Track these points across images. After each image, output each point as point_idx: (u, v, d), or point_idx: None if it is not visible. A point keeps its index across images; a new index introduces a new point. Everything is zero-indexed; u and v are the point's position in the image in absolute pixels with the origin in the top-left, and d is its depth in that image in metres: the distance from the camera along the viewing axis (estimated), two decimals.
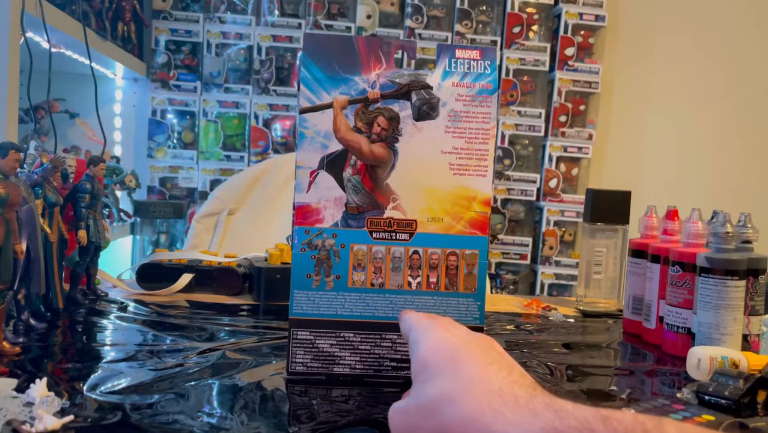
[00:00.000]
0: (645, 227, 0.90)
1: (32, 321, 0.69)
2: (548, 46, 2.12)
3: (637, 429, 0.31)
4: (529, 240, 2.16)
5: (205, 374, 0.60)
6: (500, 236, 2.15)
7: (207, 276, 0.96)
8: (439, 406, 0.39)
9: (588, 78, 2.12)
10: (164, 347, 0.68)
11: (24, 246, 0.63)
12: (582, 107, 2.16)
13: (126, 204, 1.88)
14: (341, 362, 0.60)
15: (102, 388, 0.55)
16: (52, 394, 0.49)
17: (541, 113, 2.12)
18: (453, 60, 0.61)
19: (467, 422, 0.37)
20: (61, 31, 1.28)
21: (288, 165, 1.66)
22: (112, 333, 0.74)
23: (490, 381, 0.38)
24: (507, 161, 2.15)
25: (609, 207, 0.98)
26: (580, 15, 2.10)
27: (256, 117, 2.06)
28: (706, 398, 0.60)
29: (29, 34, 1.15)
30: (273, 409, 0.53)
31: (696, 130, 2.28)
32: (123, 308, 0.84)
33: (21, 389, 0.51)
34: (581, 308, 1.00)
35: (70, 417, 0.47)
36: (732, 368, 0.64)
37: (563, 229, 2.15)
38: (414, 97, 0.60)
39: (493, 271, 2.16)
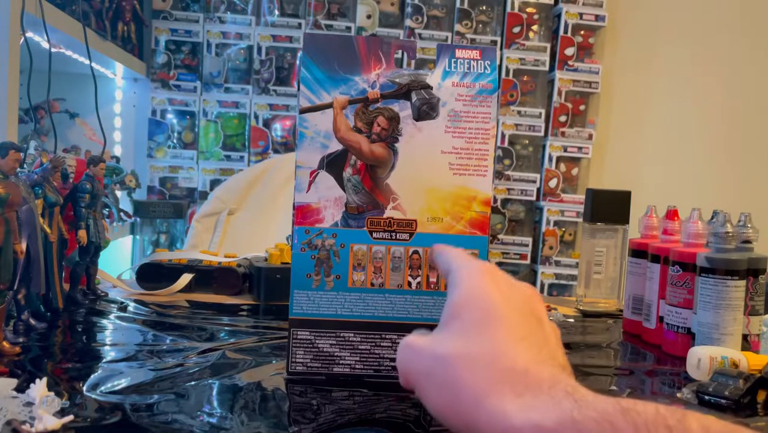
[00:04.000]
0: (645, 227, 0.90)
1: (32, 321, 0.69)
2: (548, 46, 2.12)
3: (659, 424, 0.30)
4: (529, 240, 2.16)
5: (205, 374, 0.60)
6: (500, 236, 2.15)
7: (207, 276, 0.96)
8: (458, 364, 0.38)
9: (588, 78, 2.12)
10: (164, 347, 0.68)
11: (24, 246, 0.63)
12: (582, 107, 2.16)
13: (126, 204, 1.88)
14: (341, 362, 0.60)
15: (102, 388, 0.55)
16: (52, 394, 0.49)
17: (541, 113, 2.12)
18: (453, 60, 0.61)
19: (483, 395, 0.36)
20: (61, 31, 1.28)
21: (288, 165, 1.66)
22: (112, 333, 0.74)
23: (517, 359, 0.37)
24: (507, 161, 2.15)
25: (609, 207, 0.98)
26: (580, 15, 2.10)
27: (256, 117, 2.06)
28: (706, 398, 0.60)
29: (29, 34, 1.15)
30: (273, 409, 0.53)
31: (696, 130, 2.28)
32: (123, 308, 0.84)
33: (21, 389, 0.51)
34: (581, 308, 1.00)
35: (70, 417, 0.47)
36: (732, 368, 0.64)
37: (563, 229, 2.15)
38: (414, 97, 0.60)
39: None
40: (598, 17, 2.11)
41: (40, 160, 0.80)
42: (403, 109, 0.60)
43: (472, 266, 0.44)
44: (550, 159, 2.13)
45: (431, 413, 0.40)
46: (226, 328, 0.77)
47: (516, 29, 2.11)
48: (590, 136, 2.14)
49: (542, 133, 2.13)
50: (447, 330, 0.41)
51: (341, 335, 0.60)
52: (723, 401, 0.59)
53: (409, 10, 2.07)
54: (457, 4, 2.09)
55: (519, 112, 2.12)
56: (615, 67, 2.23)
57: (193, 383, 0.57)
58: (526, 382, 0.36)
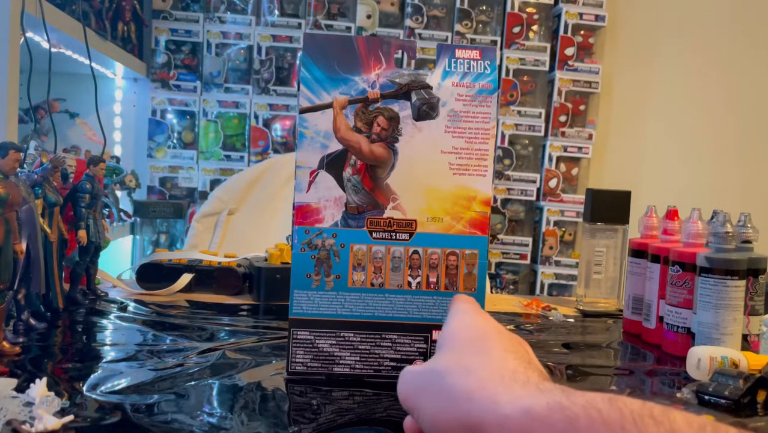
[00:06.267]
0: (645, 227, 0.90)
1: (32, 321, 0.69)
2: (548, 46, 2.12)
3: (645, 414, 0.31)
4: (529, 240, 2.16)
5: (205, 374, 0.60)
6: (500, 236, 2.15)
7: (207, 276, 0.96)
8: (451, 373, 0.40)
9: (588, 78, 2.12)
10: (164, 347, 0.68)
11: (24, 246, 0.63)
12: (582, 107, 2.16)
13: (126, 204, 1.88)
14: (341, 361, 0.60)
15: (102, 388, 0.55)
16: (52, 394, 0.49)
17: (541, 113, 2.12)
18: (453, 60, 0.61)
19: (474, 390, 0.37)
20: (61, 31, 1.28)
21: (288, 165, 1.66)
22: (112, 333, 0.74)
23: (507, 362, 0.39)
24: (507, 161, 2.15)
25: (609, 207, 0.98)
26: (580, 15, 2.10)
27: (256, 117, 2.06)
28: (706, 398, 0.60)
29: (29, 34, 1.15)
30: (273, 409, 0.53)
31: (696, 130, 2.28)
32: (123, 308, 0.84)
33: (21, 389, 0.51)
34: (581, 308, 1.00)
35: (70, 417, 0.47)
36: (732, 368, 0.64)
37: (563, 229, 2.15)
38: (414, 97, 0.60)
39: (493, 271, 2.16)
40: (598, 17, 2.11)
41: (40, 160, 0.80)
42: (403, 109, 0.60)
43: (467, 306, 0.47)
44: (550, 159, 2.13)
45: (426, 428, 0.40)
46: (226, 328, 0.77)
47: (516, 29, 2.11)
48: (590, 136, 2.14)
49: (542, 133, 2.13)
50: (441, 352, 0.43)
51: (341, 335, 0.60)
52: (723, 401, 0.59)
53: (409, 10, 2.07)
54: (457, 4, 2.09)
55: (519, 112, 2.12)
56: (615, 67, 2.23)
57: (193, 383, 0.57)
58: (515, 378, 0.38)
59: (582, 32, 2.13)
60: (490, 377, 0.38)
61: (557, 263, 2.15)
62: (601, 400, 0.32)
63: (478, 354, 0.41)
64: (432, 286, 0.60)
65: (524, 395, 0.35)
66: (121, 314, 0.81)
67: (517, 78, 2.12)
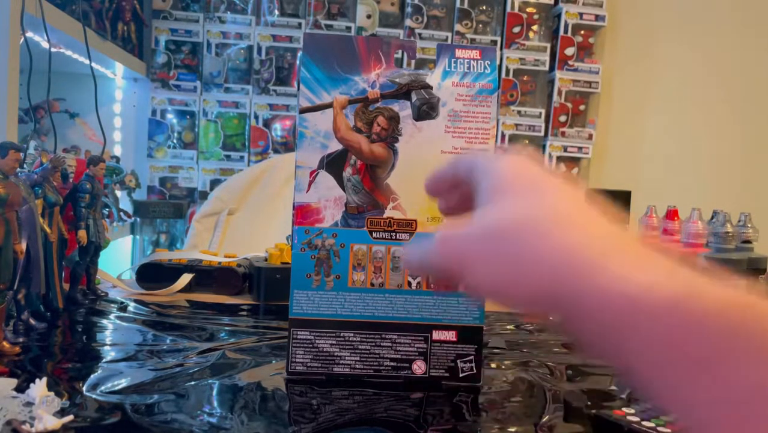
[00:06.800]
0: (645, 227, 0.89)
1: (32, 321, 0.69)
2: (548, 46, 2.12)
3: None
4: None
5: (205, 374, 0.60)
6: None
7: (207, 276, 0.96)
8: (519, 231, 0.30)
9: (588, 78, 2.12)
10: (164, 347, 0.68)
11: (24, 246, 0.63)
12: (582, 107, 2.16)
13: (126, 204, 1.88)
14: (341, 361, 0.60)
15: (102, 388, 0.55)
16: (52, 394, 0.49)
17: (541, 113, 2.12)
18: (453, 60, 0.61)
19: (565, 253, 0.28)
20: (61, 31, 1.28)
21: (288, 165, 1.66)
22: (112, 333, 0.74)
23: (597, 220, 0.30)
24: None
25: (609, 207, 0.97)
26: (580, 15, 2.10)
27: (256, 117, 2.06)
28: None
29: (29, 34, 1.15)
30: (273, 409, 0.53)
31: (696, 130, 2.28)
32: (123, 308, 0.84)
33: (21, 389, 0.51)
34: None
35: (70, 417, 0.47)
36: None
37: None
38: (414, 97, 0.60)
39: None
40: (598, 17, 2.11)
41: (40, 160, 0.80)
42: (403, 109, 0.60)
43: (503, 155, 0.35)
44: (550, 159, 2.13)
45: (483, 293, 0.32)
46: (226, 328, 0.77)
47: (516, 29, 2.10)
48: (590, 136, 2.14)
49: (542, 133, 2.13)
50: (493, 202, 0.32)
51: (341, 335, 0.60)
52: None
53: (409, 10, 2.07)
54: (457, 4, 2.09)
55: (519, 112, 2.12)
56: (615, 67, 2.23)
57: (193, 383, 0.57)
58: (623, 248, 0.28)
59: (582, 32, 2.13)
60: (580, 238, 0.28)
61: None
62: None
63: (544, 204, 0.30)
64: (432, 286, 0.60)
65: (649, 269, 0.26)
66: (121, 314, 0.81)
67: (517, 78, 2.12)
